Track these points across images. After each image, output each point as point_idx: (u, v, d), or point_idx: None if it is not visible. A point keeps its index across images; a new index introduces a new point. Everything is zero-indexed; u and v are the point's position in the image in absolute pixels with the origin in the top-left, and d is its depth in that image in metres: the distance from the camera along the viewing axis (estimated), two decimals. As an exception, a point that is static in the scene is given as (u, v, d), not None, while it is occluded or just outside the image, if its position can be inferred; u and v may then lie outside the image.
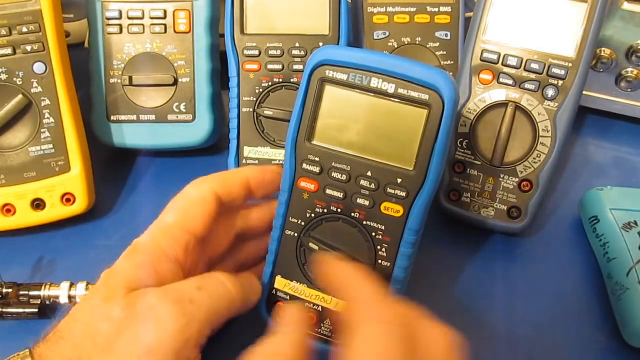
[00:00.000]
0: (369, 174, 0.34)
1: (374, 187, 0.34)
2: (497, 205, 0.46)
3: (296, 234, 0.36)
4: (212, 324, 0.31)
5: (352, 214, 0.35)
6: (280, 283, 0.37)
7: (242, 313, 0.34)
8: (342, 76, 0.34)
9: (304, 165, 0.35)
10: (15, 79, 0.45)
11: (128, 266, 0.32)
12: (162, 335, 0.29)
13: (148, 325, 0.29)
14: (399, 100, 0.33)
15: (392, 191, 0.34)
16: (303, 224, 0.36)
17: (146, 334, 0.29)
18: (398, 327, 0.28)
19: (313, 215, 0.36)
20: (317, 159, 0.35)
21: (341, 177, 0.35)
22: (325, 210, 0.35)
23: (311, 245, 0.35)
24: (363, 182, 0.34)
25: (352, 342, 0.28)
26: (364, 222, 0.35)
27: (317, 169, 0.35)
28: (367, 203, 0.34)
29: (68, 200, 0.46)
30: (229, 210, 0.38)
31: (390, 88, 0.33)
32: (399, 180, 0.34)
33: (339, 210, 0.35)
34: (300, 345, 0.30)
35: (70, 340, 0.30)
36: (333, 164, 0.35)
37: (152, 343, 0.29)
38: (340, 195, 0.35)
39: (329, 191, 0.35)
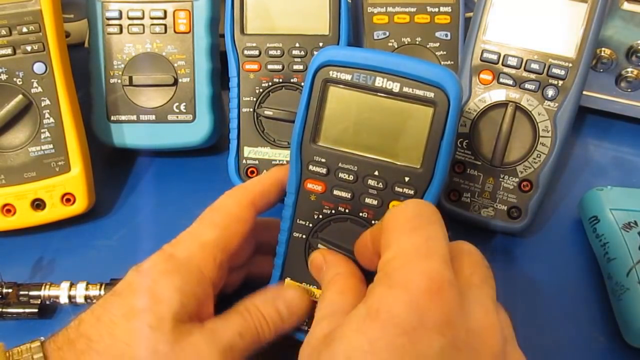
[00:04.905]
0: (376, 173, 0.34)
1: (381, 186, 0.34)
2: (497, 205, 0.46)
3: (304, 236, 0.36)
4: None
5: (360, 214, 0.35)
6: (289, 285, 0.37)
7: None
8: (345, 76, 0.34)
9: (310, 167, 0.35)
10: (15, 79, 0.45)
11: (172, 292, 0.31)
12: None
13: None
14: (404, 99, 0.33)
15: (400, 190, 0.34)
16: (311, 225, 0.36)
17: None
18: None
19: (321, 217, 0.35)
20: (323, 160, 0.35)
21: (348, 177, 0.34)
22: (333, 211, 0.35)
23: (320, 246, 0.35)
24: (370, 182, 0.34)
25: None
26: (373, 222, 0.35)
27: (323, 170, 0.35)
28: (375, 202, 0.34)
29: (68, 200, 0.46)
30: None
31: (395, 87, 0.33)
32: (407, 179, 0.34)
33: (347, 211, 0.35)
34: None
35: (102, 354, 0.29)
36: (339, 165, 0.35)
37: None
38: (347, 195, 0.35)
39: (336, 192, 0.35)
